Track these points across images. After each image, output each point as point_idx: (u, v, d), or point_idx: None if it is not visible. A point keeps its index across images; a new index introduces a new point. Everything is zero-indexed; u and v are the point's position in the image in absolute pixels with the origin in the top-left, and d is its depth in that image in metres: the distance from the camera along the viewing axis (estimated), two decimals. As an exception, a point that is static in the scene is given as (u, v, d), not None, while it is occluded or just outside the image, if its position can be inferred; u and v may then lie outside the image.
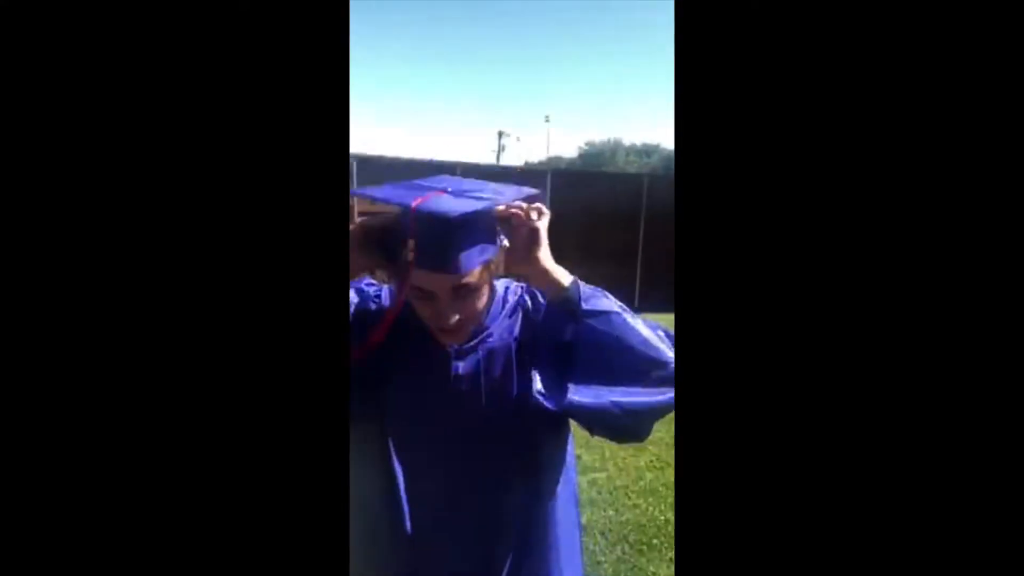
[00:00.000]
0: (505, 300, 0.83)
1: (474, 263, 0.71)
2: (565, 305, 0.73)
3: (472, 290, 0.72)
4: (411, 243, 0.69)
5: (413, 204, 0.67)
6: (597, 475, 2.80)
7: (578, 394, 0.71)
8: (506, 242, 0.75)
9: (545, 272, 0.74)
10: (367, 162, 5.58)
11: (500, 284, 0.85)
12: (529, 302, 0.84)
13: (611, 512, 2.49)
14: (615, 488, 2.69)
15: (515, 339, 0.81)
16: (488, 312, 0.80)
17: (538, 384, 0.72)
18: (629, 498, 2.62)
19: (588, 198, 6.83)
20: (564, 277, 0.74)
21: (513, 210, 0.74)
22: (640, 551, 2.23)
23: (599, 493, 2.63)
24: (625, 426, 0.73)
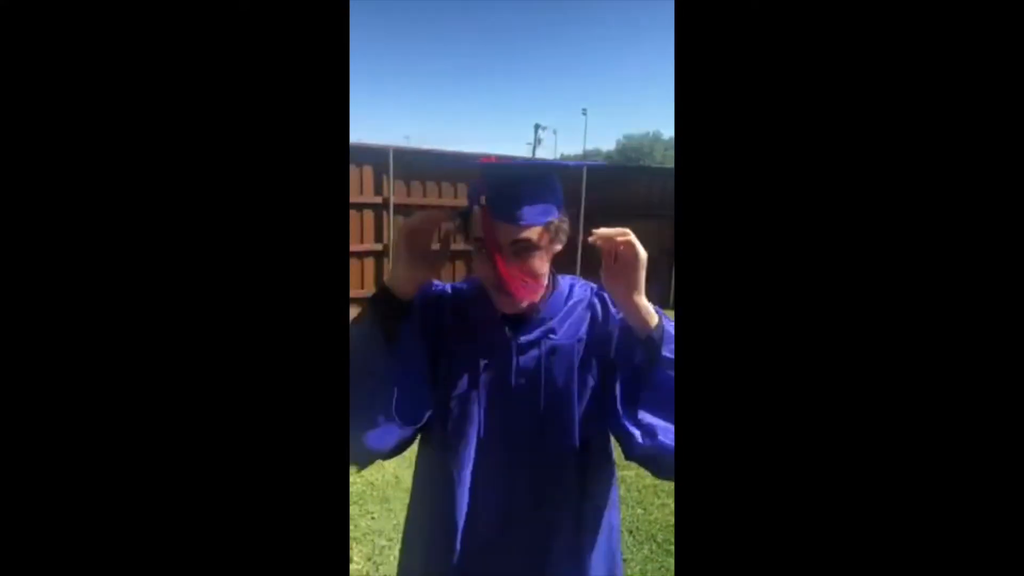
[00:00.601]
0: (570, 296, 0.84)
1: (536, 219, 0.72)
2: (647, 344, 0.74)
3: (531, 248, 0.73)
4: (483, 198, 0.71)
5: (482, 160, 0.72)
6: (625, 473, 2.78)
7: (666, 436, 0.71)
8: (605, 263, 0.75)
9: (636, 308, 0.74)
10: (403, 154, 5.63)
11: (565, 280, 0.85)
12: (599, 307, 0.84)
13: (639, 511, 2.47)
14: (644, 487, 2.66)
15: (579, 339, 0.81)
16: (549, 300, 0.81)
17: (620, 406, 0.73)
18: (658, 497, 2.59)
19: (626, 192, 6.74)
20: (652, 317, 0.75)
21: (620, 240, 0.73)
22: (668, 551, 2.20)
23: (627, 491, 2.61)
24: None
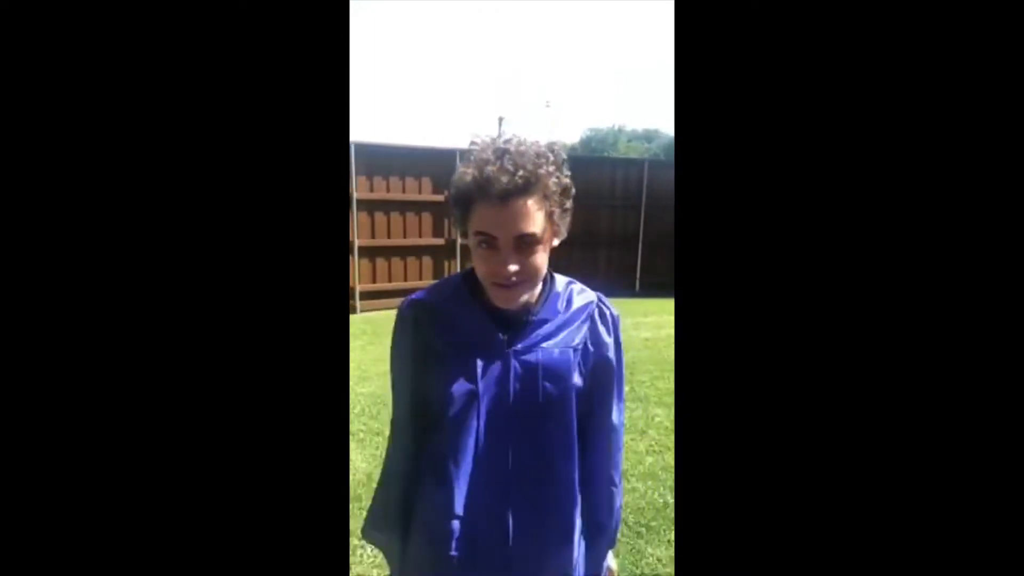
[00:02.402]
0: (568, 303, 0.83)
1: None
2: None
3: (534, 242, 0.73)
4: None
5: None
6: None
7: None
8: None
9: None
10: (365, 149, 5.54)
11: (561, 280, 0.85)
12: (600, 323, 0.84)
13: (611, 495, 2.51)
14: (615, 472, 2.71)
15: (574, 348, 0.81)
16: (545, 303, 0.81)
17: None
18: (628, 481, 2.64)
19: (590, 183, 6.81)
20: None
21: None
22: (639, 533, 2.25)
23: (599, 477, 2.65)
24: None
